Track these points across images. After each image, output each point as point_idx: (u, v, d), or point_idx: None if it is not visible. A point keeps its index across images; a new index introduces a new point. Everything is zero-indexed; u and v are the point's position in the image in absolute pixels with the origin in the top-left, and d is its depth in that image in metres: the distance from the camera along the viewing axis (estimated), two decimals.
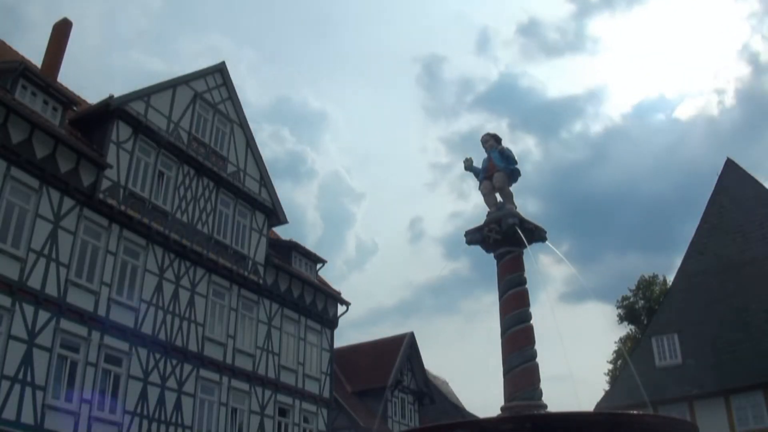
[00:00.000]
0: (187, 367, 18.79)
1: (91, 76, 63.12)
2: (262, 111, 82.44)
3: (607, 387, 36.40)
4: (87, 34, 67.33)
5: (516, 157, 9.86)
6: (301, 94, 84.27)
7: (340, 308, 26.29)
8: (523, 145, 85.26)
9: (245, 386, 20.72)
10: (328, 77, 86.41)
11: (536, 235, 9.39)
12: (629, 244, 79.36)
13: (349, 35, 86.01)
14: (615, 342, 41.31)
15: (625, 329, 40.13)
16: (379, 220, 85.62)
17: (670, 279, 31.96)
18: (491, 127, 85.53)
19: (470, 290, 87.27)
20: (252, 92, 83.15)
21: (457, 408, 38.65)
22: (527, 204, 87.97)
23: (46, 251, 15.47)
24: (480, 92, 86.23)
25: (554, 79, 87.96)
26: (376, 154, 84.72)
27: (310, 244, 69.97)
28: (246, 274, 21.52)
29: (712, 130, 77.84)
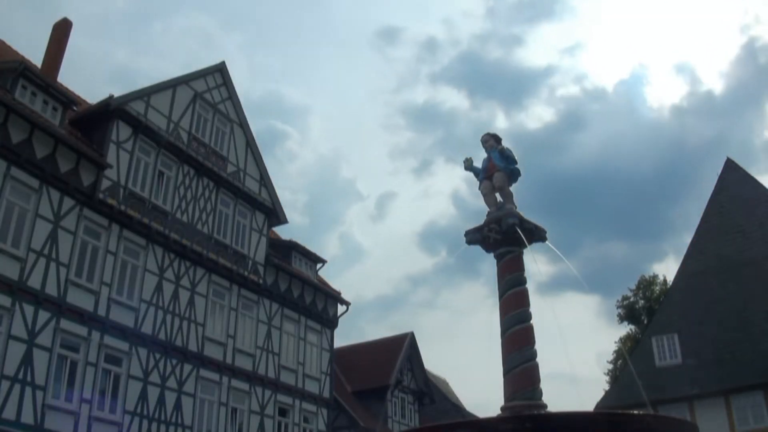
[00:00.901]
0: (187, 367, 18.79)
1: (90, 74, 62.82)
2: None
3: (607, 387, 36.46)
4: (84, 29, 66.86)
5: (516, 157, 9.86)
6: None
7: (340, 308, 26.33)
8: (488, 115, 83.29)
9: (245, 386, 20.72)
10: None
11: (536, 234, 9.39)
12: (610, 230, 76.81)
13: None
14: (615, 342, 41.42)
15: (625, 329, 40.23)
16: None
17: (670, 279, 31.98)
18: (457, 99, 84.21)
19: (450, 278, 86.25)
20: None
21: (457, 408, 38.66)
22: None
23: (46, 251, 15.47)
24: (445, 62, 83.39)
25: (526, 46, 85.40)
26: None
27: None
28: (246, 274, 21.52)
29: (698, 104, 76.94)
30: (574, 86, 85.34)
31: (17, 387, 14.05)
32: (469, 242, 9.49)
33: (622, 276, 79.86)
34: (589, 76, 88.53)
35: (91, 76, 63.36)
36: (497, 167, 9.74)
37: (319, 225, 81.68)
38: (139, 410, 17.00)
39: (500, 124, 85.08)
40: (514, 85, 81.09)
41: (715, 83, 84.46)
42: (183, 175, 20.11)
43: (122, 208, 17.65)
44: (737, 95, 74.77)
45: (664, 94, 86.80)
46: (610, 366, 40.25)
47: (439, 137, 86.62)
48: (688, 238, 28.80)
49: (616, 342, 41.05)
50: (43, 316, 15.01)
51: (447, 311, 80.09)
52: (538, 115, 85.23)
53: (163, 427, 17.56)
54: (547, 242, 9.54)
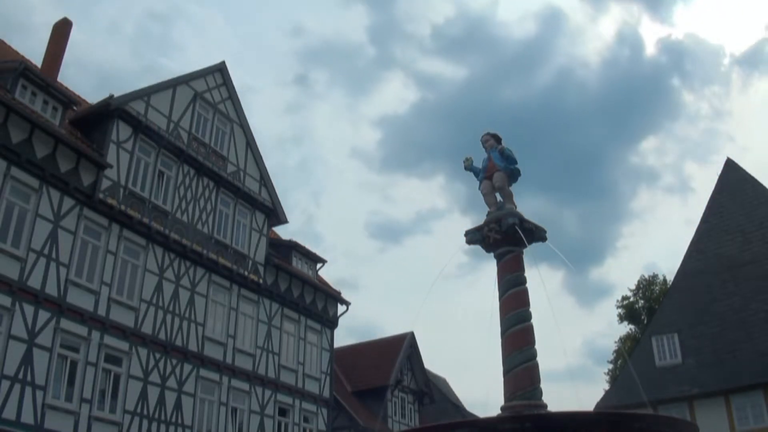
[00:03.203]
0: (187, 367, 18.80)
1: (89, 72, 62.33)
2: None
3: (607, 387, 36.49)
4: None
5: (516, 157, 9.86)
6: None
7: (340, 308, 26.33)
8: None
9: (245, 386, 20.72)
10: None
11: (536, 234, 9.38)
12: (539, 183, 75.14)
13: None
14: (615, 342, 41.44)
15: (625, 329, 40.26)
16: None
17: (670, 279, 31.99)
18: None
19: None
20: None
21: (457, 407, 38.67)
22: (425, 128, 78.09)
23: (46, 251, 15.47)
24: None
25: None
26: None
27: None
28: (246, 273, 21.52)
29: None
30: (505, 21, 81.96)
31: (17, 387, 14.05)
32: (469, 242, 9.49)
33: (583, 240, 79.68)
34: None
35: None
36: (497, 167, 9.73)
37: None
38: (139, 410, 17.00)
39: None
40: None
41: None
42: (183, 175, 20.12)
43: (122, 208, 17.65)
44: None
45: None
46: (610, 366, 40.31)
47: None
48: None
49: (616, 342, 41.13)
50: (43, 316, 15.01)
51: None
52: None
53: (163, 427, 17.57)
54: (547, 242, 9.55)
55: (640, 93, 76.12)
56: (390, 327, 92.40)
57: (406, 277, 75.90)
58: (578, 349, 67.95)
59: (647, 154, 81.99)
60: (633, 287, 40.32)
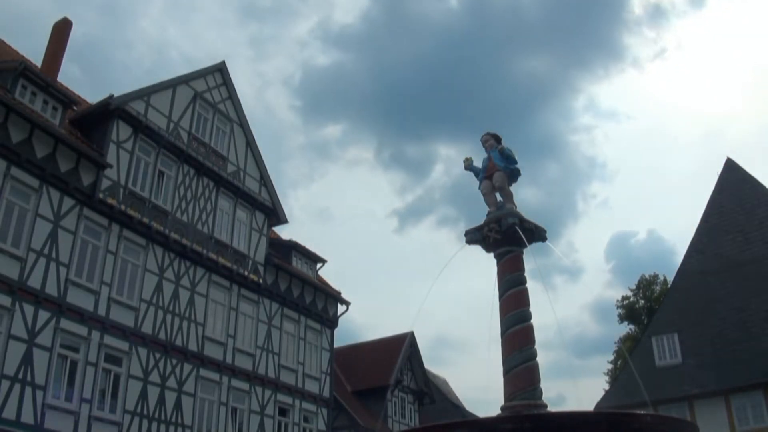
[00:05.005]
0: (187, 367, 18.80)
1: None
2: None
3: (607, 387, 36.50)
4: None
5: (516, 157, 9.87)
6: None
7: (340, 308, 26.33)
8: None
9: (245, 386, 20.72)
10: None
11: (536, 234, 9.38)
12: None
13: None
14: (615, 342, 41.44)
15: (625, 329, 40.27)
16: None
17: (671, 279, 32.00)
18: None
19: None
20: None
21: (457, 407, 38.69)
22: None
23: (46, 251, 15.47)
24: None
25: None
26: None
27: None
28: (246, 273, 21.52)
29: None
30: None
31: (17, 387, 14.05)
32: (469, 242, 9.49)
33: None
34: None
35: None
36: (497, 167, 9.74)
37: None
38: (139, 410, 17.00)
39: None
40: None
41: None
42: (183, 174, 20.12)
43: (122, 207, 17.65)
44: None
45: None
46: (610, 366, 40.32)
47: None
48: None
49: (616, 342, 41.15)
50: (43, 315, 15.01)
51: None
52: None
53: (163, 427, 17.57)
54: (547, 242, 9.56)
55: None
56: None
57: None
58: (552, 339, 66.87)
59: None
60: (633, 287, 40.42)
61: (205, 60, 75.83)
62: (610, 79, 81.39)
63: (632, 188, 78.06)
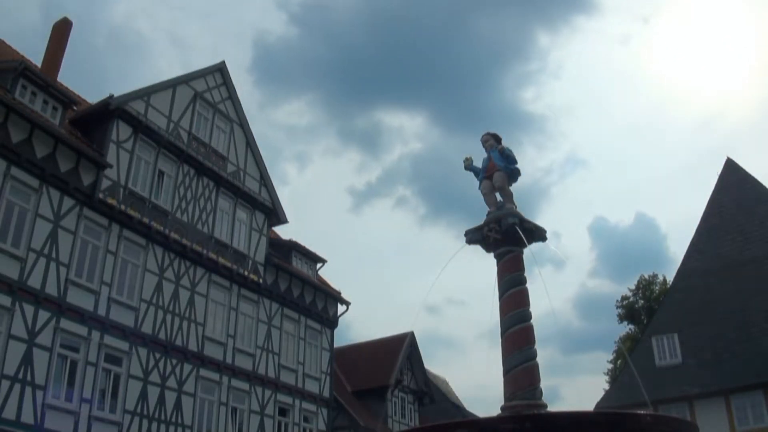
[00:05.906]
0: (187, 367, 18.80)
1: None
2: None
3: (607, 387, 36.48)
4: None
5: (516, 157, 9.88)
6: None
7: (340, 308, 26.34)
8: None
9: (245, 386, 20.72)
10: None
11: (536, 234, 9.39)
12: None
13: None
14: (615, 342, 41.42)
15: (625, 329, 40.24)
16: None
17: (670, 279, 32.01)
18: None
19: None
20: None
21: (457, 407, 38.68)
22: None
23: (46, 251, 15.47)
24: None
25: None
26: None
27: None
28: (246, 273, 21.52)
29: None
30: None
31: (17, 387, 14.05)
32: (469, 242, 9.50)
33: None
34: None
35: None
36: (497, 167, 9.74)
37: None
38: (139, 410, 17.00)
39: None
40: None
41: None
42: (183, 174, 20.12)
43: (122, 207, 17.65)
44: None
45: None
46: (610, 366, 40.29)
47: None
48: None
49: (616, 342, 41.12)
50: (43, 315, 15.01)
51: None
52: None
53: (163, 427, 17.57)
54: (547, 242, 9.56)
55: None
56: None
57: None
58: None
59: None
60: (633, 287, 40.40)
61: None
62: (575, 35, 76.59)
63: (613, 173, 75.86)
